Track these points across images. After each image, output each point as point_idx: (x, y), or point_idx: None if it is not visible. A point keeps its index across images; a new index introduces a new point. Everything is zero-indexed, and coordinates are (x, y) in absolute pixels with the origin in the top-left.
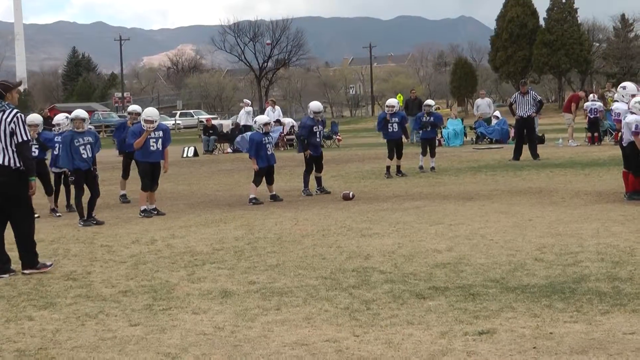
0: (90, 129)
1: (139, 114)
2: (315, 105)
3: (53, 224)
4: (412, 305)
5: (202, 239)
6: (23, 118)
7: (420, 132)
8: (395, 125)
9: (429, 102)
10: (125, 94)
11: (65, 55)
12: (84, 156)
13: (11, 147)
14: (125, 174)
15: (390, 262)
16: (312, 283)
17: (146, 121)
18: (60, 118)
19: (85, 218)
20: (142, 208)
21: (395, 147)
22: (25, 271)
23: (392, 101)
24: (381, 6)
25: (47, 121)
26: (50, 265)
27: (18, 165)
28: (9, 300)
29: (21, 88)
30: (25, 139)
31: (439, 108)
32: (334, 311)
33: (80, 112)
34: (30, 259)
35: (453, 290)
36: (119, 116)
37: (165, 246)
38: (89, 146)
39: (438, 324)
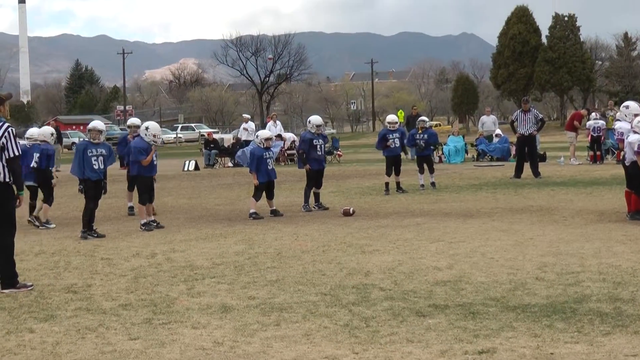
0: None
1: (138, 127)
2: (315, 119)
3: (54, 235)
4: (411, 323)
5: (202, 253)
6: (14, 132)
7: (415, 149)
8: (397, 141)
9: (423, 118)
10: (127, 107)
11: (69, 68)
12: (95, 167)
13: (1, 161)
14: (132, 187)
15: (390, 279)
16: (312, 299)
17: (155, 136)
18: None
19: (85, 230)
20: (143, 221)
21: (394, 164)
22: (5, 291)
23: (392, 117)
24: (383, 22)
25: None
26: (31, 286)
27: (7, 180)
28: (10, 312)
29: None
30: (16, 154)
31: (439, 125)
32: (334, 328)
33: (98, 124)
34: (9, 279)
35: (453, 308)
36: (121, 129)
37: (165, 260)
38: (101, 158)
39: (438, 342)
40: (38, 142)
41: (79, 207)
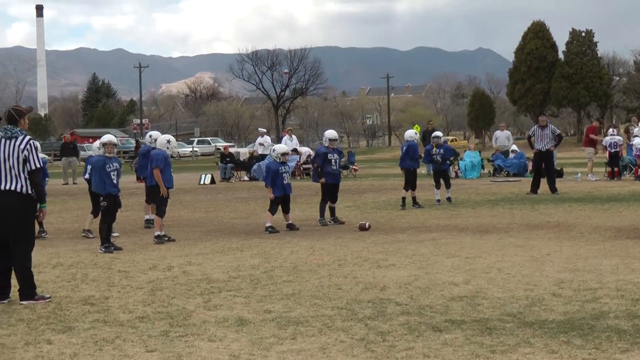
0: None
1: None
2: (330, 133)
3: (72, 248)
4: (428, 337)
5: (218, 266)
6: (36, 145)
7: (431, 164)
8: (439, 157)
9: (437, 133)
10: (143, 121)
11: (86, 82)
12: (114, 181)
13: (24, 173)
14: (150, 199)
15: (407, 293)
16: (328, 313)
17: (169, 142)
18: None
19: (106, 245)
20: (157, 234)
21: (411, 178)
22: (23, 302)
23: (411, 133)
24: (399, 37)
25: (68, 146)
26: (49, 298)
27: (30, 192)
28: (29, 323)
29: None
30: (38, 166)
31: (455, 140)
32: (350, 342)
33: (113, 138)
34: (28, 290)
35: (470, 323)
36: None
37: (181, 273)
38: (116, 172)
39: (454, 358)
40: None
41: (96, 220)
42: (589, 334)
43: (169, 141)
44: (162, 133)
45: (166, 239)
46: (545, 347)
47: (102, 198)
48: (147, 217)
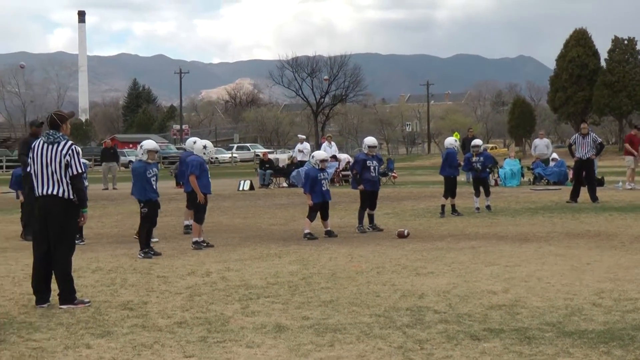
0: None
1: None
2: (369, 140)
3: (112, 253)
4: (466, 346)
5: (256, 272)
6: (78, 150)
7: (471, 172)
8: (479, 165)
9: (477, 142)
10: (183, 126)
11: (126, 87)
12: (155, 187)
13: (65, 178)
14: (191, 204)
15: (445, 302)
16: (366, 320)
17: (205, 147)
18: None
19: (146, 250)
20: (194, 240)
21: (451, 186)
22: (63, 306)
23: (451, 141)
24: (439, 44)
25: (108, 151)
26: (88, 302)
27: (71, 197)
28: (68, 327)
29: (82, 118)
30: (79, 171)
31: (495, 147)
32: (388, 350)
33: (155, 145)
34: (68, 294)
35: (508, 332)
36: (177, 148)
37: (220, 279)
38: (155, 177)
39: None
40: None
41: (134, 226)
42: (629, 345)
43: (205, 147)
44: (202, 139)
45: (204, 244)
46: (585, 357)
47: (142, 204)
48: (186, 222)
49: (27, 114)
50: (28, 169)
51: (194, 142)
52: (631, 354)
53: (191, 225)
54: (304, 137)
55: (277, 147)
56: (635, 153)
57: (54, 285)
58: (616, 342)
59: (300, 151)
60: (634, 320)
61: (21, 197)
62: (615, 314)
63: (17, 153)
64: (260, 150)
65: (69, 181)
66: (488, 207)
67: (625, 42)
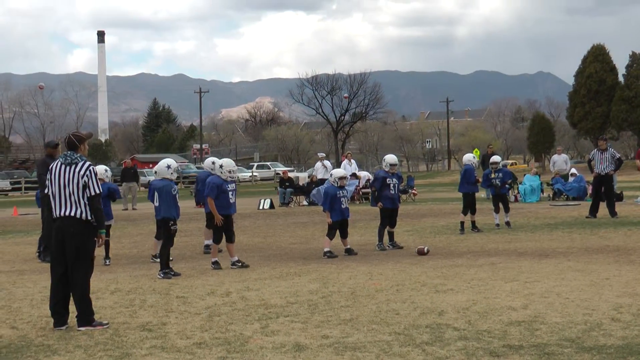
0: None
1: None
2: (390, 158)
3: (131, 274)
4: None
5: (276, 291)
6: (95, 171)
7: (490, 188)
8: (498, 181)
9: (496, 158)
10: (203, 146)
11: (146, 107)
12: (178, 205)
13: (83, 199)
14: (211, 224)
15: (464, 318)
16: (386, 338)
17: (231, 171)
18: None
19: (167, 270)
20: (214, 260)
21: (471, 203)
22: (81, 328)
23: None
24: (459, 61)
25: (129, 171)
26: (107, 324)
27: (89, 218)
28: (86, 349)
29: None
30: (97, 192)
31: (515, 164)
32: None
33: (174, 162)
34: (86, 316)
35: (528, 349)
36: (197, 167)
37: (239, 298)
38: (177, 195)
39: None
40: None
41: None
42: None
43: (221, 166)
44: (222, 158)
45: (239, 264)
46: None
47: (171, 223)
48: (206, 242)
49: (47, 134)
50: (46, 191)
51: (212, 162)
52: None
53: (211, 245)
54: (323, 155)
55: (297, 165)
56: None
57: (72, 307)
58: (634, 357)
59: (324, 167)
60: None
61: None
62: (634, 328)
63: (36, 174)
64: (281, 168)
65: (86, 202)
66: (507, 223)
67: None
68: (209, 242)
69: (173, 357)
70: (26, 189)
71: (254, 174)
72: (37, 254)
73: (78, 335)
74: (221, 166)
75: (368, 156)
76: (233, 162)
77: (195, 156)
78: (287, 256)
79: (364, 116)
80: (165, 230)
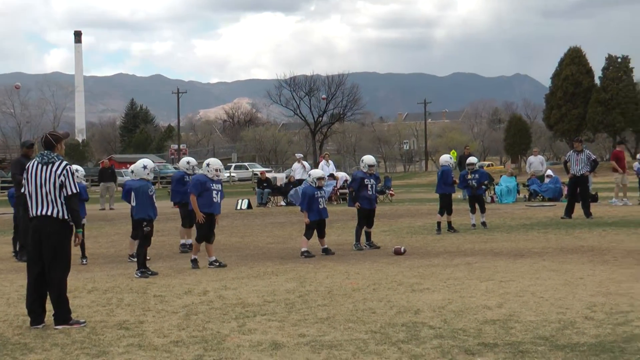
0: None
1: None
2: (368, 158)
3: (108, 273)
4: None
5: (253, 290)
6: (72, 170)
7: (467, 189)
8: (474, 182)
9: (472, 159)
10: (181, 146)
11: (124, 107)
12: (155, 206)
13: (60, 199)
14: (186, 223)
15: (440, 317)
16: (362, 337)
17: (218, 170)
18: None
19: (144, 269)
20: (193, 258)
21: (447, 204)
22: (58, 327)
23: (446, 158)
24: (436, 63)
25: (106, 171)
26: (84, 323)
27: (66, 217)
28: (63, 348)
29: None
30: (74, 191)
31: (492, 165)
32: None
33: (151, 163)
34: (63, 315)
35: (502, 347)
36: (174, 168)
37: (217, 297)
38: (154, 196)
39: None
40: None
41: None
42: (619, 357)
43: (208, 164)
44: (200, 159)
45: (217, 264)
46: None
47: (145, 223)
48: (182, 241)
49: (23, 134)
50: (22, 190)
51: (187, 162)
52: None
53: (187, 244)
54: (301, 155)
55: (275, 166)
56: (620, 169)
57: (49, 306)
58: (607, 355)
59: (302, 167)
60: (624, 333)
61: None
62: (607, 327)
63: (11, 174)
64: (259, 169)
65: (63, 201)
66: (483, 223)
67: (619, 60)
68: (184, 241)
69: (150, 355)
70: (2, 188)
71: (232, 174)
72: (14, 254)
73: (55, 334)
74: (208, 164)
75: (346, 157)
76: (220, 162)
77: (172, 157)
78: (264, 256)
79: (342, 117)
80: (141, 230)
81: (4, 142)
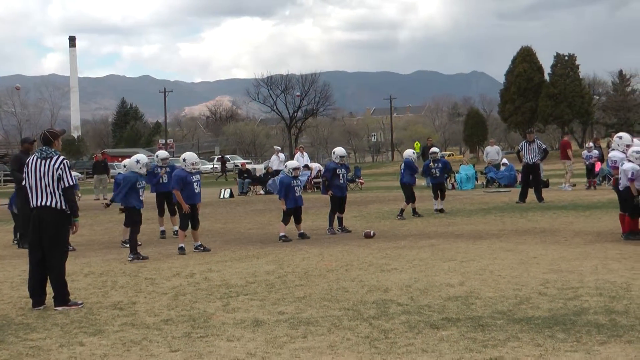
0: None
1: (165, 159)
2: (339, 150)
3: (102, 258)
4: (426, 334)
5: (236, 272)
6: (68, 164)
7: (430, 177)
8: (438, 171)
9: (434, 149)
10: (168, 141)
11: (115, 106)
12: (141, 198)
13: (58, 191)
14: (162, 212)
15: (407, 295)
16: (336, 314)
17: (194, 163)
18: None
19: (136, 253)
20: (180, 245)
21: (410, 193)
22: (58, 308)
23: (409, 152)
24: (401, 62)
25: (99, 164)
26: (81, 304)
27: (64, 207)
28: (62, 327)
29: (75, 135)
30: (71, 183)
31: (451, 155)
32: (356, 340)
33: (145, 157)
34: (62, 297)
35: (464, 321)
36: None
37: (203, 279)
38: (142, 189)
39: (450, 352)
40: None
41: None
42: (571, 329)
43: (184, 159)
44: (185, 152)
45: (201, 248)
46: (532, 341)
47: (121, 208)
48: (161, 228)
49: (23, 132)
50: (23, 183)
51: (137, 161)
52: (572, 336)
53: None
54: (279, 148)
55: (254, 158)
56: (571, 157)
57: (49, 289)
58: (559, 327)
59: (281, 161)
60: (575, 307)
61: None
62: (559, 301)
63: (10, 170)
64: (239, 161)
65: (61, 193)
66: (441, 210)
67: (566, 58)
68: (164, 228)
69: (142, 333)
70: (5, 181)
71: (215, 166)
72: (15, 242)
73: (55, 314)
74: (184, 160)
75: (319, 149)
76: (195, 154)
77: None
78: (246, 240)
79: (315, 113)
80: (131, 218)
81: (5, 139)
